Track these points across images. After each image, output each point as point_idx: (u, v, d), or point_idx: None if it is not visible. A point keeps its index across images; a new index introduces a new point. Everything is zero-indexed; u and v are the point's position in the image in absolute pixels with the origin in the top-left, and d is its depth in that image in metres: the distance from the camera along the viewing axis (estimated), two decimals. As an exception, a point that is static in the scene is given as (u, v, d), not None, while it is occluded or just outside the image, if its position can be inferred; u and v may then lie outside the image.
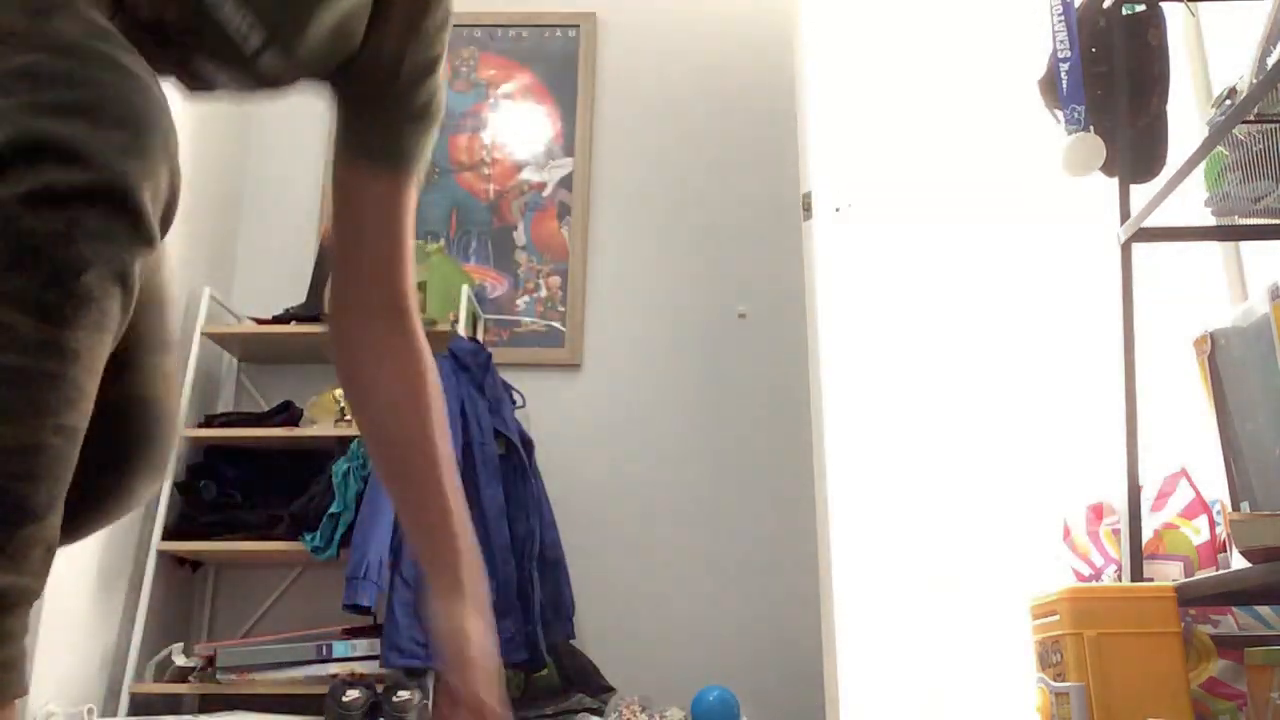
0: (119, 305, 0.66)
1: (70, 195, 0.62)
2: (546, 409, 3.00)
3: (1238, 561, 1.54)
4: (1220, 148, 1.81)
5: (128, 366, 0.84)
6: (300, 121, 3.28)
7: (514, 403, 2.72)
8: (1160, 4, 2.07)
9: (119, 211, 0.64)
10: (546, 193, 3.20)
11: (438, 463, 0.99)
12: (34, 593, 0.68)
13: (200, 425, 2.83)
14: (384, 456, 1.00)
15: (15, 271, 0.61)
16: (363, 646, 2.41)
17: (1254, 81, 1.67)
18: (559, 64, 3.32)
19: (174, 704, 2.58)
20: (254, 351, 3.02)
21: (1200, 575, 1.58)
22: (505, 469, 2.52)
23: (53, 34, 0.67)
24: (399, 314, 1.03)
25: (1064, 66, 2.01)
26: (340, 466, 2.54)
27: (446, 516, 0.99)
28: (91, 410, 0.67)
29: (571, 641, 2.60)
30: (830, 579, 2.33)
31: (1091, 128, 1.99)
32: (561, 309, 3.08)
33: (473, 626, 0.94)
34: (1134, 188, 1.99)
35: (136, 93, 0.68)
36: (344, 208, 1.02)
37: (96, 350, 0.66)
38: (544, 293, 3.10)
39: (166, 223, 0.69)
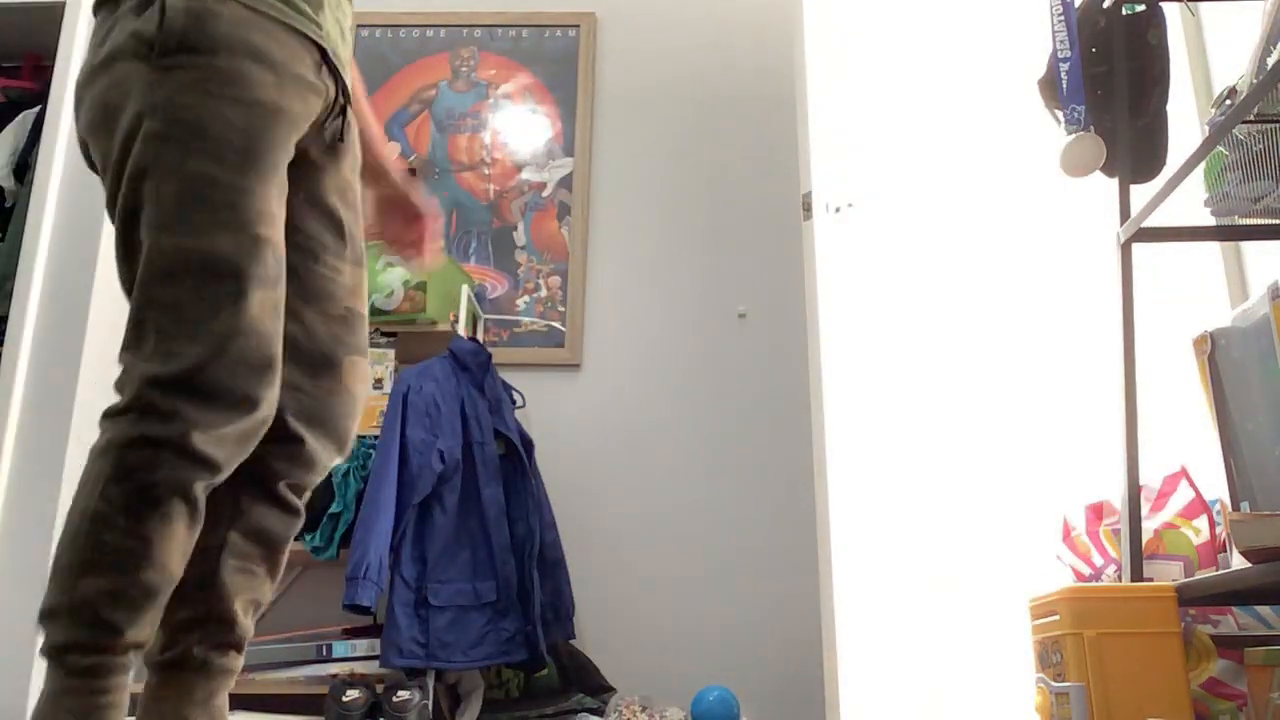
0: (184, 509, 1.09)
1: (156, 442, 1.07)
2: (546, 409, 3.00)
3: (1238, 561, 1.54)
4: (1220, 148, 1.81)
5: (339, 365, 1.31)
6: (300, 121, 3.27)
7: (514, 403, 2.72)
8: (1160, 4, 2.07)
9: (185, 455, 1.08)
10: (546, 193, 3.20)
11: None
12: (121, 668, 1.06)
13: (200, 425, 2.82)
14: None
15: (117, 485, 1.06)
16: (363, 646, 2.41)
17: (1254, 81, 1.67)
18: (559, 64, 3.32)
19: (174, 704, 2.58)
20: (254, 351, 3.02)
21: (1200, 575, 1.58)
22: (505, 469, 2.52)
23: (213, 332, 1.10)
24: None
25: (1064, 66, 2.00)
26: (340, 467, 2.54)
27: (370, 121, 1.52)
28: (175, 570, 1.10)
29: (571, 641, 2.60)
30: (830, 579, 2.33)
31: (1091, 128, 1.99)
32: (561, 309, 3.08)
33: (387, 153, 1.52)
34: (1134, 188, 1.99)
35: (239, 376, 1.11)
36: None
37: (169, 535, 1.08)
38: (544, 293, 3.10)
39: (239, 443, 1.13)
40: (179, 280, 1.10)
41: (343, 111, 1.34)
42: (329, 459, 1.33)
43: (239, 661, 1.27)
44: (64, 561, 1.07)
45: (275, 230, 1.17)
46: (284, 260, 1.19)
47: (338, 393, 1.32)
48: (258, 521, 1.28)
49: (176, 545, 1.10)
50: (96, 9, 1.25)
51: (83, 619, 1.04)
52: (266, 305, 1.15)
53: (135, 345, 1.11)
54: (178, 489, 1.08)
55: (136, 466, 1.07)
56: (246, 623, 1.26)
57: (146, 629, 1.09)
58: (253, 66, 1.16)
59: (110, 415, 1.10)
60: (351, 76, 1.39)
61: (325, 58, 1.27)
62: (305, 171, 1.29)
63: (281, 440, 1.27)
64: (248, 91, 1.16)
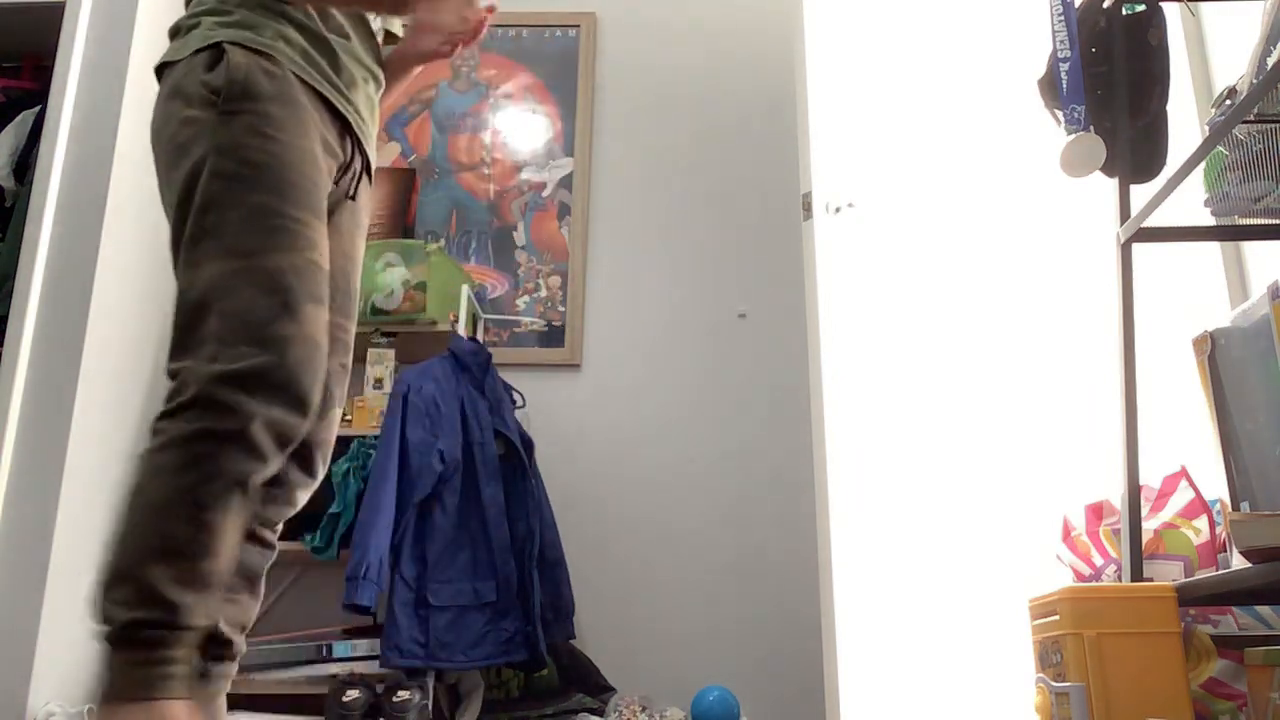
0: (241, 500, 1.18)
1: (219, 435, 1.15)
2: (546, 409, 3.00)
3: (1238, 561, 1.54)
4: (1220, 148, 1.81)
5: (327, 417, 1.40)
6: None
7: (514, 403, 2.72)
8: (1160, 4, 2.07)
9: (247, 447, 1.16)
10: (546, 193, 3.20)
11: None
12: (185, 643, 1.14)
13: (200, 425, 2.82)
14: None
15: (181, 475, 1.14)
16: (363, 646, 2.41)
17: (1254, 81, 1.67)
18: (559, 64, 3.32)
19: (174, 704, 2.58)
20: (254, 351, 3.01)
21: (1200, 575, 1.58)
22: (505, 469, 2.52)
23: (274, 336, 1.20)
24: None
25: (1064, 66, 2.00)
26: (340, 467, 2.54)
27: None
28: (228, 558, 1.18)
29: (571, 641, 2.60)
30: (830, 578, 2.33)
31: (1091, 128, 1.99)
32: (561, 309, 3.09)
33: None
34: (1134, 188, 1.99)
35: (296, 376, 1.20)
36: None
37: (228, 523, 1.16)
38: (544, 293, 3.10)
39: (287, 440, 1.21)
40: (240, 294, 1.21)
41: (356, 176, 1.50)
42: (303, 498, 1.44)
43: (233, 668, 1.38)
44: (128, 550, 1.13)
45: (325, 260, 1.31)
46: (328, 287, 1.32)
47: (320, 444, 1.43)
48: (238, 558, 1.36)
49: (232, 534, 1.18)
50: (160, 69, 1.39)
51: (149, 601, 1.11)
52: (318, 319, 1.27)
53: (190, 352, 1.20)
54: (239, 480, 1.17)
55: (201, 458, 1.14)
56: (237, 638, 1.37)
57: (205, 614, 1.16)
58: (301, 115, 1.33)
59: (169, 415, 1.17)
60: (375, 149, 1.56)
61: (349, 130, 1.45)
62: (327, 233, 1.43)
63: (270, 484, 1.36)
64: (297, 137, 1.31)
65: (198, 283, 1.23)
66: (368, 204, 1.57)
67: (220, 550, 1.15)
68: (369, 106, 1.52)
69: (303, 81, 1.36)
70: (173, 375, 1.21)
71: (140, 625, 1.11)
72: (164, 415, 1.18)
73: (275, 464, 1.21)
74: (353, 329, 1.49)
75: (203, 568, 1.14)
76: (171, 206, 1.31)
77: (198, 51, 1.34)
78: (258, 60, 1.33)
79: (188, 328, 1.22)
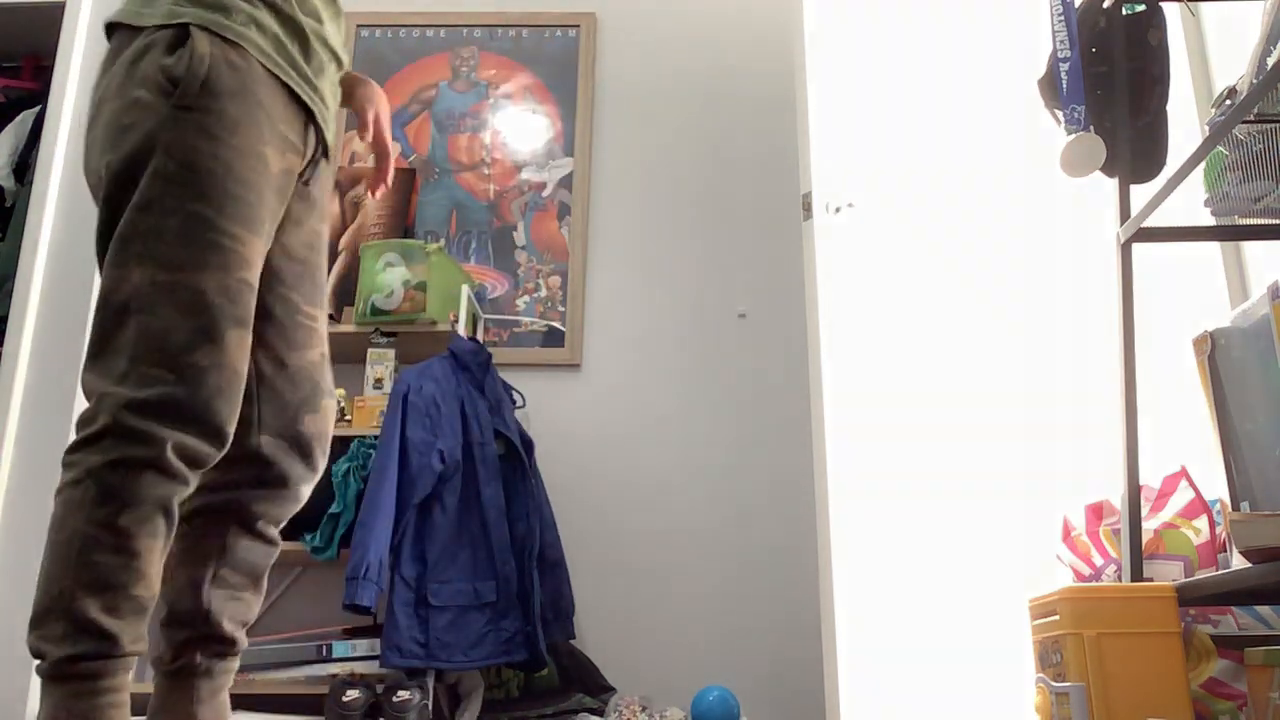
0: (164, 523, 1.17)
1: (136, 463, 1.14)
2: (546, 409, 3.00)
3: (1238, 561, 1.54)
4: (1220, 148, 1.81)
5: (319, 410, 1.42)
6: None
7: (514, 403, 2.72)
8: (1160, 4, 2.07)
9: (165, 473, 1.16)
10: (546, 193, 3.20)
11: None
12: (123, 670, 1.14)
13: (200, 425, 2.82)
14: None
15: (101, 506, 1.13)
16: (363, 646, 2.42)
17: (1254, 81, 1.67)
18: (559, 64, 3.32)
19: (174, 704, 2.58)
20: (254, 351, 3.02)
21: (1200, 575, 1.58)
22: (505, 469, 2.52)
23: (191, 364, 1.18)
24: None
25: (1064, 66, 2.00)
26: (340, 467, 2.54)
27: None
28: (158, 579, 1.17)
29: (571, 641, 2.60)
30: (830, 578, 2.33)
31: (1091, 128, 1.99)
32: (561, 309, 3.08)
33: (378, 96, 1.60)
34: (1134, 188, 1.99)
35: (212, 405, 1.19)
36: None
37: (154, 549, 1.16)
38: (544, 293, 3.10)
39: (199, 465, 1.21)
40: (163, 311, 1.18)
41: (315, 162, 1.45)
42: (307, 492, 1.44)
43: (236, 662, 1.39)
44: (57, 587, 1.12)
45: (255, 278, 1.27)
46: (254, 306, 1.29)
47: (318, 436, 1.42)
48: (243, 556, 1.38)
49: (159, 556, 1.18)
50: (112, 29, 1.32)
51: (84, 634, 1.11)
52: (240, 344, 1.24)
53: (104, 367, 1.18)
54: (160, 505, 1.16)
55: (119, 488, 1.14)
56: (240, 635, 1.38)
57: (142, 638, 1.17)
58: (258, 114, 1.27)
59: (82, 445, 1.16)
60: (334, 131, 1.51)
61: (313, 119, 1.40)
62: (286, 226, 1.40)
63: (268, 484, 1.38)
64: (250, 140, 1.26)
65: (123, 287, 1.19)
66: (329, 186, 1.52)
67: (149, 575, 1.16)
68: (333, 91, 1.48)
69: (269, 72, 1.30)
70: (87, 394, 1.19)
71: (77, 659, 1.10)
72: (76, 447, 1.16)
73: (193, 484, 1.21)
74: (323, 317, 1.46)
75: (133, 594, 1.14)
76: (100, 185, 1.26)
77: (161, 27, 1.26)
78: (223, 50, 1.26)
79: (105, 336, 1.19)
